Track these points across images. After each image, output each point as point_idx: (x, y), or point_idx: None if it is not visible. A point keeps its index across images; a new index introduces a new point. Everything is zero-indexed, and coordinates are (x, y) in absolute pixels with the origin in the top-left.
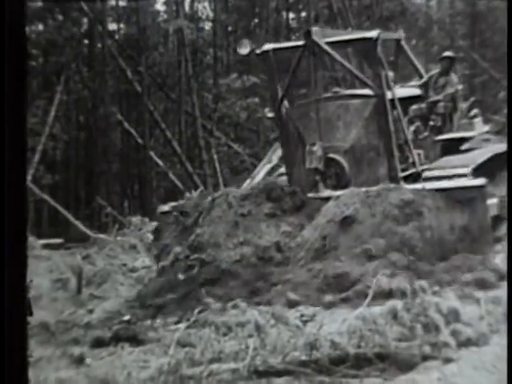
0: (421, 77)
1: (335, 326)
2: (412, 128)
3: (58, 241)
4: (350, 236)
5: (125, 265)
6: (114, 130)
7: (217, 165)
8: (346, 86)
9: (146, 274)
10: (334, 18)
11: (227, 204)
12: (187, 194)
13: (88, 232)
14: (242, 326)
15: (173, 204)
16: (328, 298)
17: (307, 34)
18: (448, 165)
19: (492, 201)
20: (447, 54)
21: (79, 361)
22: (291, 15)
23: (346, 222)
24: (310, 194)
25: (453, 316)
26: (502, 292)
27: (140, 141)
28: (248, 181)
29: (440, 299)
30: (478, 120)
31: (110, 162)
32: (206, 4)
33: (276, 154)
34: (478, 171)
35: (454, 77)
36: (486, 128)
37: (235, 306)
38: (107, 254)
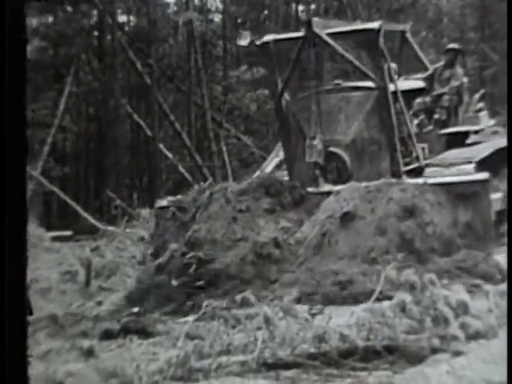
0: (426, 69)
1: (344, 318)
2: (416, 121)
3: (67, 233)
4: (350, 232)
5: (134, 257)
6: (123, 122)
7: (226, 157)
8: (355, 78)
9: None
10: (344, 10)
11: (225, 199)
12: (195, 187)
13: (97, 224)
14: (250, 319)
15: (171, 198)
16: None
17: (308, 25)
18: (451, 158)
19: (496, 195)
20: (452, 46)
21: (88, 353)
22: (301, 7)
23: (346, 218)
24: (310, 189)
25: (462, 309)
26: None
27: (149, 133)
28: (257, 173)
29: (449, 292)
30: (483, 113)
31: (119, 154)
32: None
33: None
34: (482, 165)
35: (459, 69)
36: (492, 122)
37: (244, 299)
38: (116, 246)
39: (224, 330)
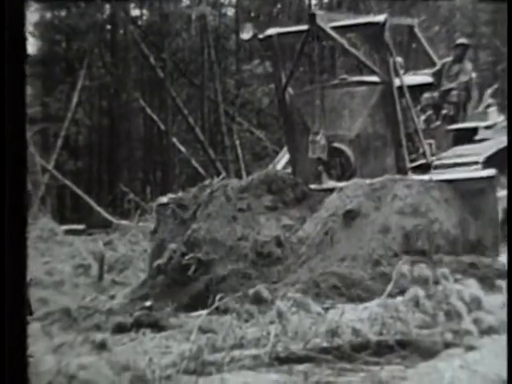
0: (434, 65)
1: (357, 313)
2: (423, 117)
3: (80, 227)
4: (354, 230)
5: (146, 251)
6: (136, 116)
7: (239, 151)
8: (367, 73)
9: None
10: (357, 4)
11: (225, 197)
12: (208, 181)
13: (110, 218)
14: (263, 313)
15: (171, 196)
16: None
17: (311, 18)
18: (458, 155)
19: (503, 193)
20: (461, 41)
21: (101, 347)
22: (313, 1)
23: (349, 216)
24: (313, 186)
25: (475, 304)
26: None
27: (162, 127)
28: (270, 167)
29: (462, 287)
30: (492, 109)
31: (132, 148)
32: None
33: None
34: (489, 162)
35: (467, 64)
36: (502, 118)
37: (257, 293)
38: (129, 240)
39: (237, 324)
